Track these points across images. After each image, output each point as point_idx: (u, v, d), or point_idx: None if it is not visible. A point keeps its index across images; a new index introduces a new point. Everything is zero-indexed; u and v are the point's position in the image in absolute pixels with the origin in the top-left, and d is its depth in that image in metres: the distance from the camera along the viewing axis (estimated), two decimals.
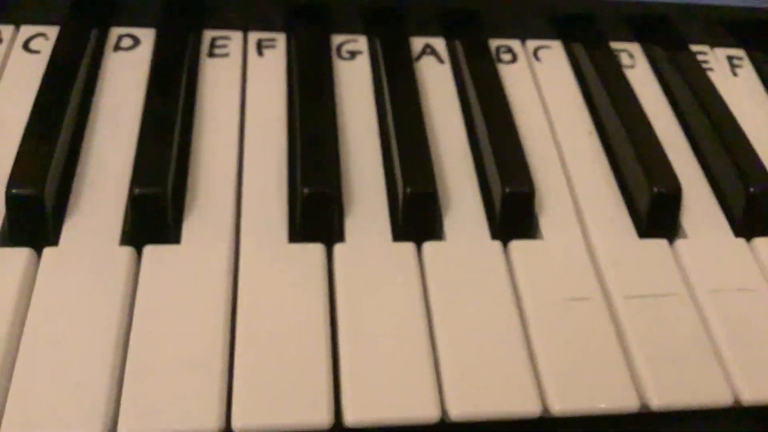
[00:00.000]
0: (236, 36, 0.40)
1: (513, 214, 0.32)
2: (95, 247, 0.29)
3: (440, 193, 0.33)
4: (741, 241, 0.33)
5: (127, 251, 0.29)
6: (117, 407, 0.25)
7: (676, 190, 0.33)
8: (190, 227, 0.30)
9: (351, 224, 0.32)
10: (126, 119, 0.34)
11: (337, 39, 0.41)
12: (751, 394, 0.28)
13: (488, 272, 0.30)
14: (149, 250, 0.29)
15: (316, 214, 0.31)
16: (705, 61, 0.43)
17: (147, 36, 0.39)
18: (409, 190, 0.31)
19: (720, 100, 0.38)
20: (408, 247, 0.31)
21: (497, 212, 0.32)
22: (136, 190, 0.29)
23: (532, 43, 0.43)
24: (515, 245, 0.32)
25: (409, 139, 0.34)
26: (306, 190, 0.30)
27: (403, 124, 0.35)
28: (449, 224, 0.32)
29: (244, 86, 0.38)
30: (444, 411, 0.26)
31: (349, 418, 0.25)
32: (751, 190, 0.34)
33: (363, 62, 0.40)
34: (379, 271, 0.30)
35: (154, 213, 0.30)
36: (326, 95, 0.36)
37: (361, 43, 0.41)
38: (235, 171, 0.33)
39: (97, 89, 0.36)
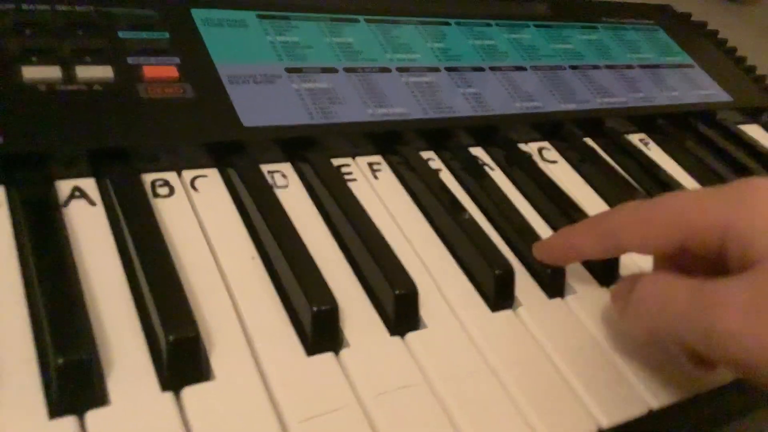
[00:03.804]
0: None
1: (180, 361, 0.32)
2: None
3: (102, 352, 0.32)
4: (396, 339, 0.37)
5: None
6: None
7: (333, 306, 0.36)
8: None
9: None
10: None
11: None
12: None
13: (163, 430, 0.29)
14: None
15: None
16: (349, 172, 0.48)
17: None
18: (60, 360, 0.29)
19: (361, 210, 0.43)
20: (69, 422, 0.29)
21: (164, 362, 0.32)
22: None
23: (188, 174, 0.43)
24: (187, 393, 0.31)
25: (59, 303, 0.32)
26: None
27: (48, 283, 0.32)
28: (114, 385, 0.31)
29: None
30: None
31: None
32: (397, 291, 0.38)
33: (1, 215, 0.37)
34: None
35: None
36: None
37: None
38: None
39: None
